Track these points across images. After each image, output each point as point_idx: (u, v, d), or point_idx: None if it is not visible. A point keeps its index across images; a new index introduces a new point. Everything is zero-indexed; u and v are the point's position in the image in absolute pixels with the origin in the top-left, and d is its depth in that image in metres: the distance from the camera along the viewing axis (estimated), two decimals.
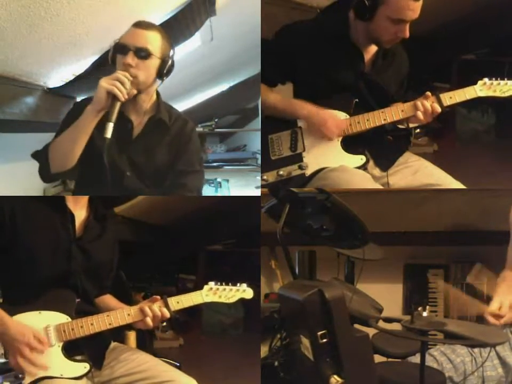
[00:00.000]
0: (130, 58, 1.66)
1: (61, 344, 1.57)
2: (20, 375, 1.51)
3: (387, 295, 2.63)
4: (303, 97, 2.01)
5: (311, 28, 2.01)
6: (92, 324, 1.60)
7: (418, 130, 3.36)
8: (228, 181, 4.24)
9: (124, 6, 2.02)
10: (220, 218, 3.50)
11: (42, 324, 1.57)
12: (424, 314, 1.47)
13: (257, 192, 2.06)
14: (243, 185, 4.29)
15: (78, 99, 2.46)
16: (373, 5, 1.81)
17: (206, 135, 5.35)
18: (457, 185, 1.97)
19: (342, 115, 1.94)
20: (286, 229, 1.64)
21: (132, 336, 2.21)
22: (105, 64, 1.78)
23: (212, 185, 4.11)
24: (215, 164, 5.17)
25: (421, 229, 2.72)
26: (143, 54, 1.68)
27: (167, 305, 1.67)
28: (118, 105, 1.61)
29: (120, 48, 1.69)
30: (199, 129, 4.98)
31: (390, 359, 2.00)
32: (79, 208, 1.73)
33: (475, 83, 1.88)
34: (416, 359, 1.84)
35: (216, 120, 5.06)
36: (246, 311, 3.86)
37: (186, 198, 2.58)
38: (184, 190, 1.83)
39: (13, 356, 1.51)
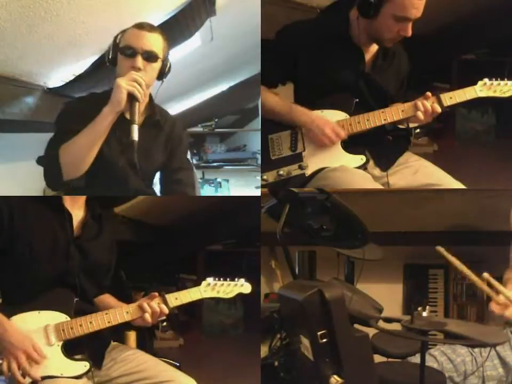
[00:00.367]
0: (140, 62, 1.66)
1: (60, 343, 1.57)
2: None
3: (387, 295, 2.62)
4: (304, 97, 2.01)
5: (311, 28, 2.01)
6: (90, 323, 1.60)
7: (418, 130, 3.36)
8: (227, 181, 4.24)
9: (124, 6, 2.02)
10: (220, 218, 3.50)
11: (41, 323, 1.57)
12: (424, 314, 1.47)
13: (257, 192, 2.06)
14: (243, 185, 4.30)
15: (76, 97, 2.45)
16: (378, 2, 1.81)
17: (206, 135, 5.35)
18: (457, 185, 1.97)
19: (342, 115, 1.94)
20: (286, 229, 1.64)
21: (132, 336, 2.22)
22: (105, 64, 1.77)
23: (212, 185, 4.12)
24: (215, 164, 5.18)
25: (421, 229, 2.72)
26: (151, 57, 1.68)
27: (165, 302, 1.68)
28: (137, 106, 1.60)
29: (125, 50, 1.68)
30: (199, 129, 4.99)
31: (390, 359, 2.00)
32: (76, 208, 1.73)
33: (475, 83, 1.88)
34: (416, 359, 1.84)
35: (216, 120, 5.07)
36: (246, 311, 3.86)
37: (186, 198, 2.58)
38: (180, 185, 1.87)
39: (7, 361, 1.51)
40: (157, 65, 1.72)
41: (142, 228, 3.30)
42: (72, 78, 2.38)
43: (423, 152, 3.22)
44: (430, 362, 1.80)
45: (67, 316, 1.60)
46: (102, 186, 1.73)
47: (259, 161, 4.26)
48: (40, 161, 1.72)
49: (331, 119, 1.93)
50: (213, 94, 5.13)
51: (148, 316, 1.65)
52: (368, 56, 1.98)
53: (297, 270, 1.77)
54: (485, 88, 1.87)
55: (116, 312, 1.64)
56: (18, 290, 1.63)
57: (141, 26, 1.71)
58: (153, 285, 3.84)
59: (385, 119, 1.91)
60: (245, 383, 2.68)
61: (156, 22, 2.20)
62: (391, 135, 2.05)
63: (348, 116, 1.93)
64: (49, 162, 1.68)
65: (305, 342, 1.41)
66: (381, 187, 1.99)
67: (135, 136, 1.57)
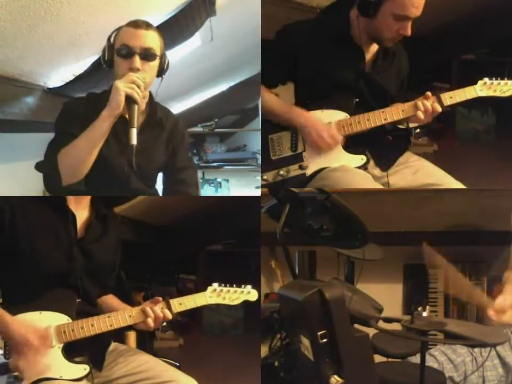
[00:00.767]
0: (137, 62, 1.63)
1: (61, 345, 1.57)
2: (20, 376, 1.51)
3: (387, 295, 2.62)
4: (304, 97, 2.01)
5: (311, 28, 2.01)
6: (92, 325, 1.59)
7: (418, 130, 3.35)
8: (228, 181, 4.24)
9: (124, 6, 2.02)
10: (220, 218, 3.50)
11: (42, 324, 1.57)
12: (424, 314, 1.47)
13: (257, 192, 2.06)
14: (243, 185, 4.29)
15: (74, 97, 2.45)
16: (377, 1, 1.81)
17: (206, 135, 5.35)
18: (457, 185, 1.97)
19: (342, 115, 1.94)
20: (286, 229, 1.64)
21: (132, 336, 2.21)
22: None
23: (212, 185, 4.11)
24: (215, 164, 5.17)
25: (421, 229, 2.71)
26: (149, 56, 1.65)
27: (169, 307, 1.66)
28: (136, 108, 1.57)
29: (121, 50, 1.64)
30: (199, 129, 4.99)
31: (390, 359, 2.00)
32: (80, 209, 1.72)
33: (475, 83, 1.88)
34: (416, 359, 1.84)
35: (216, 120, 5.06)
36: (246, 311, 3.86)
37: (186, 198, 2.58)
38: (184, 186, 1.85)
39: (15, 357, 1.51)
40: (155, 63, 1.69)
41: (142, 228, 3.30)
42: (72, 78, 2.38)
43: (423, 152, 3.22)
44: (430, 362, 1.80)
45: (68, 317, 1.59)
46: (102, 188, 1.72)
47: (259, 161, 4.26)
48: (38, 167, 1.70)
49: (331, 119, 1.93)
50: (213, 94, 5.13)
51: (150, 321, 1.64)
52: (368, 56, 1.98)
53: (297, 270, 1.77)
54: (485, 88, 1.87)
55: (118, 315, 1.63)
56: (20, 290, 1.62)
57: (135, 24, 1.66)
58: (153, 285, 3.85)
59: (385, 119, 1.91)
60: (245, 383, 2.68)
61: (156, 22, 2.20)
62: (391, 135, 2.05)
63: (348, 116, 1.93)
64: (48, 168, 1.65)
65: (305, 342, 1.41)
66: (381, 187, 1.99)
67: (134, 140, 1.54)
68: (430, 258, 1.74)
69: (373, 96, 1.98)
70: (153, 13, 2.20)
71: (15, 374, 1.50)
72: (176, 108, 4.42)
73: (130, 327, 1.71)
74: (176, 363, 1.90)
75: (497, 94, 1.87)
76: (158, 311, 1.64)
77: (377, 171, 2.01)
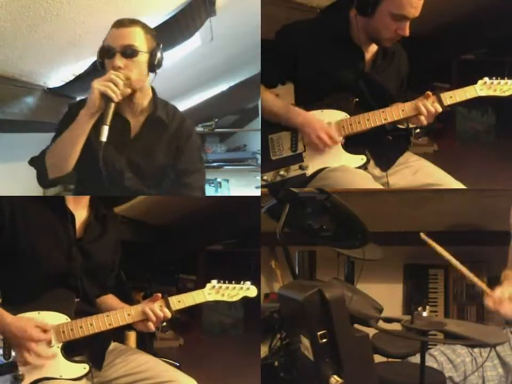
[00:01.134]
0: (118, 60, 1.64)
1: (60, 344, 1.57)
2: (20, 376, 1.51)
3: (387, 295, 2.62)
4: (304, 97, 2.01)
5: (311, 28, 2.01)
6: (91, 324, 1.59)
7: (418, 130, 3.35)
8: (228, 181, 4.24)
9: (124, 6, 2.02)
10: (220, 218, 3.50)
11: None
12: (424, 314, 1.47)
13: (257, 192, 2.06)
14: (243, 185, 4.29)
15: (78, 99, 2.45)
16: (375, 0, 1.81)
17: (206, 135, 5.34)
18: (457, 185, 1.97)
19: (342, 115, 1.94)
20: (286, 229, 1.64)
21: (132, 336, 2.21)
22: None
23: (212, 185, 4.11)
24: (215, 164, 5.17)
25: (421, 229, 2.71)
26: (129, 52, 1.65)
27: (168, 305, 1.66)
28: (112, 106, 1.58)
29: (105, 51, 1.66)
30: (199, 129, 4.99)
31: (390, 359, 2.00)
32: (79, 209, 1.72)
33: (475, 83, 1.88)
34: (416, 359, 1.84)
35: (216, 120, 5.06)
36: (246, 311, 3.86)
37: (186, 198, 2.58)
38: (189, 190, 1.81)
39: (20, 353, 1.51)
40: (140, 59, 1.68)
41: (142, 228, 3.29)
42: (72, 78, 2.38)
43: (423, 152, 3.22)
44: (429, 362, 1.80)
45: (67, 317, 1.59)
46: (97, 184, 1.73)
47: (259, 161, 4.26)
48: (30, 162, 1.74)
49: (331, 119, 1.93)
50: (213, 94, 5.13)
51: (151, 325, 1.64)
52: (368, 56, 1.98)
53: (297, 270, 1.77)
54: (485, 87, 1.87)
55: (117, 314, 1.63)
56: (19, 290, 1.62)
57: (118, 24, 1.68)
58: (153, 285, 3.85)
59: (385, 119, 1.91)
60: (245, 383, 2.68)
61: (156, 22, 2.20)
62: (391, 135, 2.05)
63: (348, 116, 1.93)
64: (38, 163, 1.71)
65: (305, 342, 1.41)
66: (381, 187, 1.99)
67: (104, 137, 1.55)
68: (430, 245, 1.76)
69: (373, 96, 1.98)
70: (153, 13, 2.20)
71: (15, 374, 1.50)
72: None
73: (130, 327, 1.71)
74: (176, 363, 1.90)
75: (497, 93, 1.87)
76: (157, 310, 1.64)
77: (377, 171, 2.01)
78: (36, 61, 2.09)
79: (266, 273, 2.97)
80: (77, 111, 1.66)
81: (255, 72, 4.16)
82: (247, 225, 3.05)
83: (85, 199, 1.75)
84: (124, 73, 1.63)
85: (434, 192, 2.38)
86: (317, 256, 1.90)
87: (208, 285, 1.73)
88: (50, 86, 2.37)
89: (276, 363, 1.63)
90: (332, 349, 1.32)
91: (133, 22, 1.69)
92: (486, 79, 1.87)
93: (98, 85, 1.59)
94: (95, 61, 1.74)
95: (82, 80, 2.35)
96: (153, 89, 1.82)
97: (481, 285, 1.76)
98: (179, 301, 1.68)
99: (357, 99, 1.95)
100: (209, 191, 4.02)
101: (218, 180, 4.19)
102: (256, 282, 1.78)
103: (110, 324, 1.61)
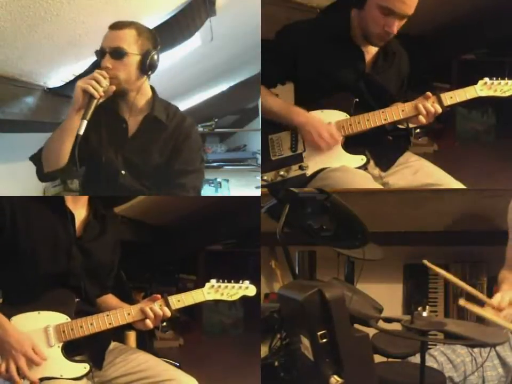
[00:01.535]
0: (107, 61, 1.69)
1: (60, 344, 1.57)
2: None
3: (387, 295, 2.62)
4: (304, 97, 2.01)
5: (311, 28, 2.01)
6: (91, 324, 1.60)
7: (418, 130, 3.36)
8: (228, 181, 4.23)
9: (124, 6, 2.02)
10: (220, 218, 3.50)
11: (41, 324, 1.57)
12: (424, 314, 1.47)
13: (257, 192, 2.06)
14: (243, 185, 4.28)
15: None
16: None
17: (206, 135, 5.34)
18: (457, 185, 1.97)
19: (342, 115, 1.94)
20: (286, 229, 1.64)
21: (132, 336, 2.21)
22: None
23: (212, 185, 4.10)
24: (215, 164, 5.17)
25: (421, 229, 2.72)
26: (117, 54, 1.69)
27: (167, 304, 1.66)
28: (94, 103, 1.62)
29: (99, 52, 1.72)
30: (199, 129, 4.99)
31: (390, 359, 2.00)
32: (78, 208, 1.73)
33: (475, 83, 1.88)
34: (416, 359, 1.84)
35: (216, 120, 5.06)
36: (246, 311, 3.86)
37: (186, 198, 2.58)
38: (182, 190, 1.80)
39: (6, 363, 1.50)
40: (129, 61, 1.71)
41: (142, 228, 3.29)
42: (72, 78, 2.38)
43: (423, 152, 3.22)
44: (429, 362, 1.80)
45: (67, 317, 1.60)
46: (94, 182, 1.77)
47: (259, 161, 4.26)
48: (31, 158, 1.78)
49: (331, 119, 1.93)
50: (213, 94, 5.13)
51: (149, 323, 1.64)
52: (368, 56, 1.98)
53: (297, 270, 1.77)
54: (485, 88, 1.87)
55: (117, 313, 1.63)
56: (20, 290, 1.63)
57: (113, 26, 1.72)
58: (153, 285, 3.85)
59: (385, 119, 1.91)
60: (245, 383, 2.69)
61: (156, 22, 2.20)
62: (391, 135, 2.05)
63: (348, 116, 1.93)
64: (35, 157, 1.76)
65: (305, 342, 1.41)
66: (381, 187, 1.99)
67: (81, 131, 1.59)
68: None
69: (373, 97, 1.98)
70: (153, 13, 2.20)
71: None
72: None
73: (130, 327, 1.71)
74: (176, 363, 1.90)
75: (498, 94, 1.87)
76: (157, 309, 1.64)
77: (377, 171, 2.01)
78: (36, 61, 2.09)
79: (266, 273, 2.97)
80: None
81: (255, 72, 4.16)
82: (247, 225, 3.05)
83: (84, 199, 1.76)
84: (110, 73, 1.67)
85: (434, 192, 2.38)
86: (317, 256, 1.91)
87: (207, 284, 1.73)
88: (50, 86, 2.37)
89: (276, 363, 1.63)
90: (332, 349, 1.32)
91: (127, 25, 1.73)
92: (486, 79, 1.87)
93: (81, 82, 1.63)
94: (95, 61, 1.75)
95: None
96: (153, 89, 1.84)
97: (482, 296, 1.76)
98: (179, 300, 1.68)
99: (357, 99, 1.95)
100: (209, 191, 4.02)
101: (218, 179, 4.18)
102: (256, 282, 1.78)
103: (110, 324, 1.62)
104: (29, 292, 1.61)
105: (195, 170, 1.83)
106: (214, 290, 1.73)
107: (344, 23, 1.96)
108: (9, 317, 1.55)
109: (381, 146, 2.02)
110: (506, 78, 1.87)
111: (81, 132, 1.59)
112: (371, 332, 1.57)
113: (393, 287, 2.97)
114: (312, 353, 1.36)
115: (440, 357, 1.84)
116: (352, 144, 1.95)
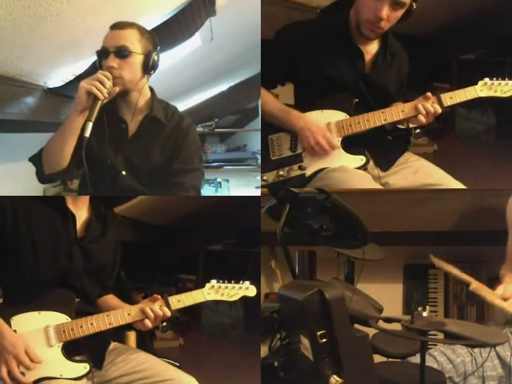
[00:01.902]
0: (111, 60, 1.67)
1: (60, 344, 1.57)
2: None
3: (387, 295, 2.62)
4: (304, 97, 2.01)
5: (311, 28, 2.00)
6: (91, 324, 1.60)
7: (418, 130, 3.36)
8: (228, 181, 4.24)
9: (124, 6, 2.02)
10: (220, 218, 3.50)
11: (42, 324, 1.57)
12: (424, 314, 1.47)
13: (257, 192, 2.06)
14: (243, 185, 4.29)
15: None
16: None
17: (206, 135, 5.34)
18: (457, 185, 1.97)
19: (341, 115, 1.94)
20: (286, 229, 1.64)
21: (132, 336, 2.21)
22: None
23: (212, 185, 4.11)
24: (215, 164, 5.17)
25: (421, 229, 2.71)
26: (122, 53, 1.68)
27: (168, 304, 1.67)
28: (98, 104, 1.61)
29: (101, 53, 1.70)
30: (199, 129, 4.99)
31: (390, 359, 2.00)
32: (80, 209, 1.73)
33: (475, 83, 1.87)
34: (416, 359, 1.84)
35: (216, 120, 5.06)
36: (246, 311, 3.86)
37: (186, 198, 2.58)
38: (180, 189, 1.80)
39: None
40: (133, 60, 1.70)
41: (142, 228, 3.29)
42: (72, 78, 2.38)
43: (423, 152, 3.23)
44: (429, 362, 1.80)
45: (68, 317, 1.60)
46: (94, 182, 1.74)
47: (259, 161, 4.26)
48: (30, 159, 1.77)
49: (331, 119, 1.93)
50: (213, 94, 5.13)
51: (148, 323, 1.64)
52: (368, 56, 1.98)
53: (297, 270, 1.76)
54: (485, 88, 1.87)
55: (117, 313, 1.64)
56: (20, 290, 1.63)
57: (114, 26, 1.72)
58: (153, 285, 3.85)
59: (385, 119, 1.90)
60: (245, 383, 2.69)
61: (156, 22, 2.20)
62: (391, 135, 2.05)
63: (348, 116, 1.93)
64: (35, 158, 1.74)
65: (305, 342, 1.41)
66: (381, 187, 1.98)
67: (87, 133, 1.59)
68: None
69: (373, 97, 1.98)
70: (154, 12, 2.20)
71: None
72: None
73: (130, 327, 1.71)
74: (176, 363, 1.90)
75: (498, 94, 1.87)
76: (157, 309, 1.65)
77: (377, 171, 2.01)
78: (36, 61, 2.09)
79: (266, 273, 2.97)
80: None
81: (255, 72, 4.16)
82: (247, 225, 3.06)
83: (85, 200, 1.76)
84: (115, 72, 1.66)
85: (434, 192, 2.37)
86: (317, 256, 1.90)
87: (208, 285, 1.73)
88: (50, 86, 2.37)
89: (276, 363, 1.63)
90: (332, 348, 1.32)
91: (128, 25, 1.72)
92: (487, 79, 1.86)
93: (85, 83, 1.62)
94: (95, 61, 1.75)
95: None
96: (151, 90, 1.84)
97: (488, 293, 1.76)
98: (178, 301, 1.69)
99: (357, 99, 1.94)
100: (209, 191, 4.03)
101: (218, 180, 4.19)
102: (256, 282, 1.78)
103: (110, 324, 1.62)
104: (29, 291, 1.61)
105: (194, 169, 1.83)
106: (214, 291, 1.73)
107: (344, 23, 1.96)
108: (9, 316, 1.55)
109: (381, 147, 2.02)
110: (506, 79, 1.87)
111: (87, 134, 1.58)
112: (371, 332, 1.57)
113: (393, 287, 2.97)
114: (312, 353, 1.36)
115: (440, 357, 1.84)
116: (352, 144, 1.95)
